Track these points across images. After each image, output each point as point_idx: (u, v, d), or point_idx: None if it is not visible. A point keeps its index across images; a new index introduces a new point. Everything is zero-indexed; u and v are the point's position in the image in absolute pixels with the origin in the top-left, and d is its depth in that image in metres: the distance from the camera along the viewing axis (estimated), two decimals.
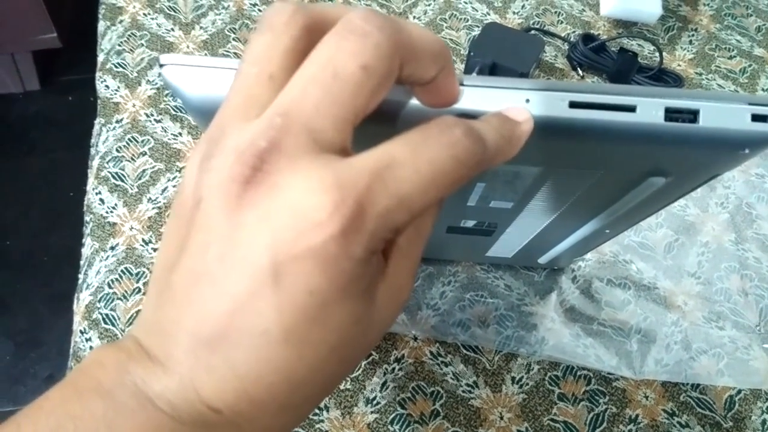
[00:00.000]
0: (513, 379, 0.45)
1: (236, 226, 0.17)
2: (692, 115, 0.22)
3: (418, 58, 0.18)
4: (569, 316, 0.47)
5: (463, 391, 0.44)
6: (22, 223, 1.41)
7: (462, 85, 0.22)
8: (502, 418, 0.44)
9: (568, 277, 0.49)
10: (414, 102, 0.22)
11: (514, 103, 0.22)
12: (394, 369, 0.45)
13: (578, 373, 0.45)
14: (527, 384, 0.45)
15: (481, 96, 0.22)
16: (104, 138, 0.57)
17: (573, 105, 0.22)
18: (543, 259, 0.46)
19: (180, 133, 0.56)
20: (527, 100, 0.22)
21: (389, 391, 0.44)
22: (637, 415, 0.44)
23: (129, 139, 0.56)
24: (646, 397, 0.44)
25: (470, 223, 0.38)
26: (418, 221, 0.20)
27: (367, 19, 0.17)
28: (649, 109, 0.22)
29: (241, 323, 0.16)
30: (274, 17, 0.19)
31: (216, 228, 0.17)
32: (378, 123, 0.19)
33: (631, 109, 0.22)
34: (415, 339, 0.46)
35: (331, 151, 0.17)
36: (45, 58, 1.55)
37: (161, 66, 0.22)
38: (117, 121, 0.58)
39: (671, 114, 0.22)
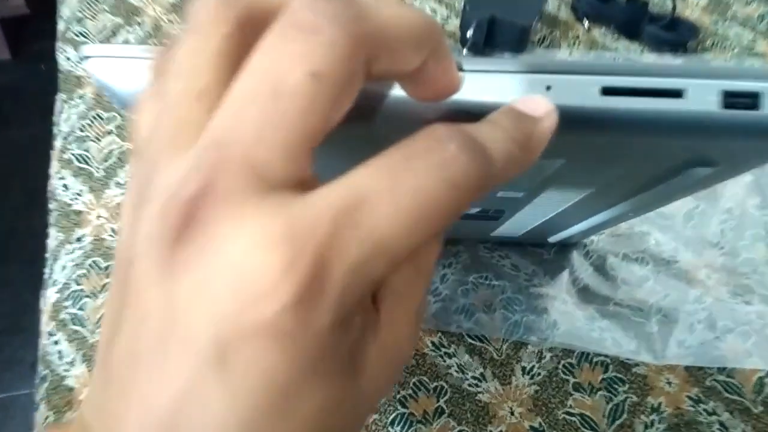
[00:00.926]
0: (523, 369, 0.41)
1: (172, 297, 0.13)
2: (753, 99, 0.17)
3: (392, 48, 0.14)
4: (582, 297, 0.43)
5: (470, 385, 0.40)
6: (3, 203, 1.35)
7: (461, 70, 0.18)
8: (512, 413, 0.40)
9: (580, 253, 0.45)
10: (397, 93, 0.17)
11: (530, 92, 0.17)
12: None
13: (594, 360, 0.41)
14: (539, 374, 0.41)
15: (487, 83, 0.18)
16: (66, 116, 0.52)
17: (606, 91, 0.18)
18: (554, 238, 0.42)
19: None
20: (548, 87, 0.18)
21: None
22: (659, 404, 0.40)
23: (93, 117, 0.51)
24: (669, 383, 0.41)
25: (473, 210, 0.33)
26: (417, 255, 0.16)
27: (316, 6, 0.13)
28: (701, 93, 0.17)
29: (188, 418, 0.12)
30: (198, 14, 0.14)
31: (150, 299, 0.13)
32: (351, 121, 0.15)
33: (678, 93, 0.18)
34: None
35: (282, 187, 0.13)
36: (14, 27, 1.48)
37: (84, 59, 0.18)
38: (79, 97, 0.52)
39: (729, 99, 0.17)
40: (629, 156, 0.22)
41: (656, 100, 0.18)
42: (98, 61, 0.18)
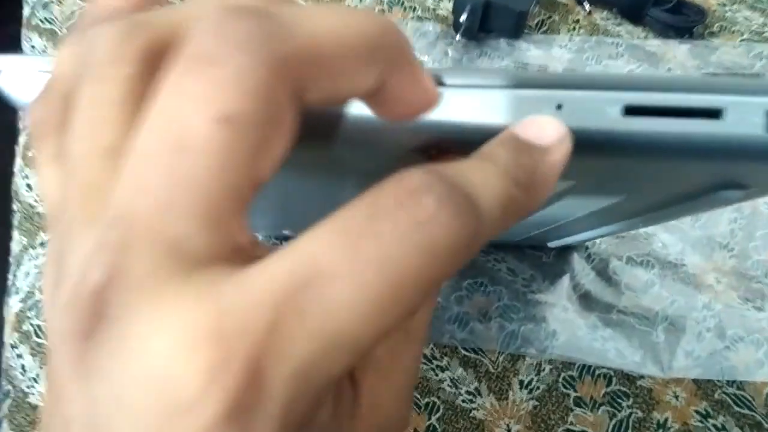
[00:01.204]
0: (521, 383, 0.38)
1: (91, 404, 0.10)
2: None
3: (331, 67, 0.11)
4: (584, 304, 0.40)
5: (464, 401, 0.38)
6: None
7: (441, 84, 0.14)
8: (510, 431, 0.37)
9: (582, 256, 0.42)
10: (358, 112, 0.14)
11: (535, 112, 0.14)
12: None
13: (597, 372, 0.39)
14: (538, 388, 0.38)
15: (480, 100, 0.14)
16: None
17: (630, 111, 0.15)
18: (555, 244, 0.39)
19: None
20: (559, 106, 0.15)
21: None
22: (666, 419, 0.38)
23: None
24: (676, 397, 0.38)
25: None
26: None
27: (220, 30, 0.11)
28: (742, 113, 0.14)
29: None
30: (95, 51, 0.12)
31: (71, 400, 0.11)
32: (308, 147, 0.12)
33: (716, 113, 0.15)
34: None
35: (208, 263, 0.10)
36: None
37: None
38: None
39: None
40: (649, 178, 0.19)
41: (689, 122, 0.15)
42: (9, 75, 0.15)
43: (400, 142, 0.15)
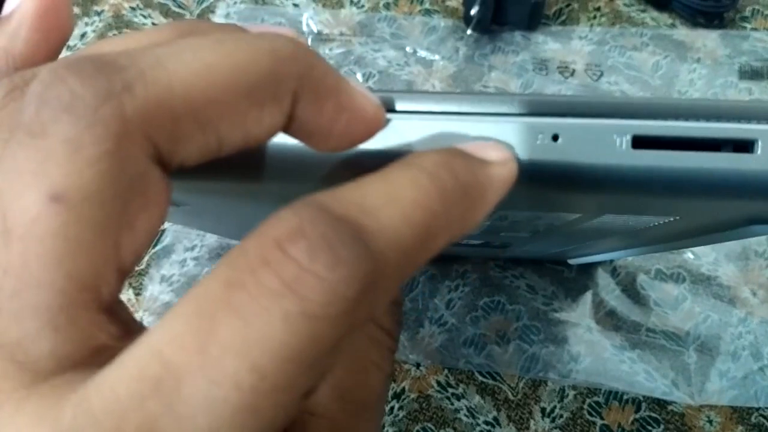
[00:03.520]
0: (543, 410, 0.36)
1: None
2: None
3: (204, 116, 0.09)
4: (609, 323, 0.38)
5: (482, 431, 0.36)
6: None
7: (392, 111, 0.13)
8: None
9: (606, 270, 0.39)
10: (283, 141, 0.12)
11: (525, 143, 0.12)
12: (393, 409, 0.36)
13: (624, 397, 0.36)
14: (561, 416, 0.36)
15: (434, 131, 0.13)
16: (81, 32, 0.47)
17: (639, 142, 0.12)
18: (575, 261, 0.36)
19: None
20: (555, 137, 0.12)
21: None
22: None
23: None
24: (710, 422, 0.36)
25: (474, 241, 0.28)
26: (342, 382, 0.12)
27: (48, 94, 0.09)
28: None
29: None
30: None
31: None
32: (236, 180, 0.11)
33: (746, 146, 0.12)
34: (418, 366, 0.37)
35: (55, 369, 0.09)
36: None
37: None
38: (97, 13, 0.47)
39: None
40: (669, 213, 0.16)
41: (713, 156, 0.12)
42: None
43: (337, 174, 0.13)
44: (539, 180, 0.13)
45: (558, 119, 0.12)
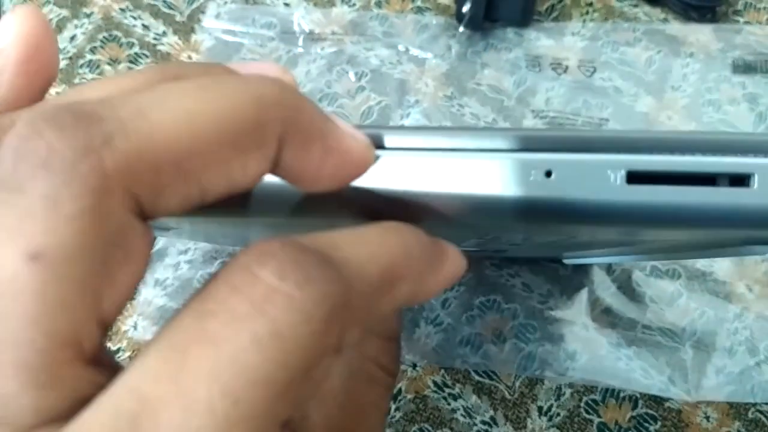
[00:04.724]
0: (540, 409, 0.36)
1: None
2: None
3: (187, 167, 0.09)
4: (605, 321, 0.38)
5: (479, 431, 0.35)
6: None
7: (381, 147, 0.13)
8: None
9: (602, 267, 0.39)
10: (270, 181, 0.12)
11: (514, 181, 0.12)
12: (389, 410, 0.36)
13: (621, 395, 0.36)
14: (558, 414, 0.36)
15: (440, 170, 0.12)
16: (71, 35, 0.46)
17: (634, 178, 0.12)
18: (570, 261, 0.36)
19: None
20: (548, 173, 0.12)
21: None
22: None
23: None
24: (707, 418, 0.36)
25: (469, 245, 0.28)
26: (341, 423, 0.12)
27: (24, 149, 0.09)
28: None
29: None
30: None
31: None
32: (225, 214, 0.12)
33: (743, 180, 0.12)
34: (414, 367, 0.37)
35: (38, 425, 0.09)
36: None
37: None
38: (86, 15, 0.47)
39: None
40: (664, 240, 0.16)
41: (709, 191, 0.12)
42: None
43: (325, 211, 0.13)
44: (533, 216, 0.12)
45: (551, 155, 0.12)
